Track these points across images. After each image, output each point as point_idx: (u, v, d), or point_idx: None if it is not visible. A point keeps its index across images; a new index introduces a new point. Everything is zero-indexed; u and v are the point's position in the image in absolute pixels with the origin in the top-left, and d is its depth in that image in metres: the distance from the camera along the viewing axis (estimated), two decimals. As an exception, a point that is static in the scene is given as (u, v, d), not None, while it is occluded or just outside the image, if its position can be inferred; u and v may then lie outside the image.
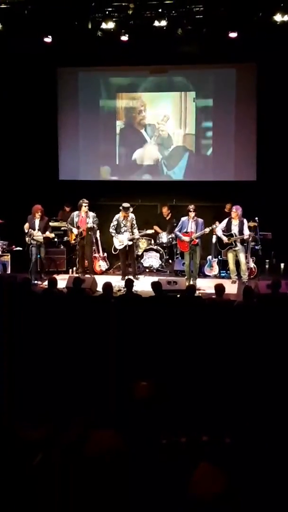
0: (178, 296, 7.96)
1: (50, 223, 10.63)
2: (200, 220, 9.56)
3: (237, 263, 9.92)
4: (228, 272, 10.18)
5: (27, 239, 10.00)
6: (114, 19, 9.89)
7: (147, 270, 10.94)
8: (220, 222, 10.11)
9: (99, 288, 8.63)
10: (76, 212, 10.27)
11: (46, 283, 8.40)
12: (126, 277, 9.03)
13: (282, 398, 4.71)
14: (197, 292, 8.39)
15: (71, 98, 12.25)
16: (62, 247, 11.06)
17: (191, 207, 9.51)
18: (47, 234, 10.06)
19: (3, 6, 9.73)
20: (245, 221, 9.83)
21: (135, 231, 10.27)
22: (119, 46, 10.60)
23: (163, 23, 9.74)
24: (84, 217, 10.15)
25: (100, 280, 8.69)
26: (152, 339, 6.13)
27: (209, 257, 10.60)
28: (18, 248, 10.80)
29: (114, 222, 10.22)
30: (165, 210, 11.45)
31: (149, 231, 10.81)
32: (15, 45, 10.93)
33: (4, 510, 3.07)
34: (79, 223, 10.13)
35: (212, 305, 7.19)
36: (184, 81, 11.97)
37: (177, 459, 3.49)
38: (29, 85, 11.68)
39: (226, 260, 10.28)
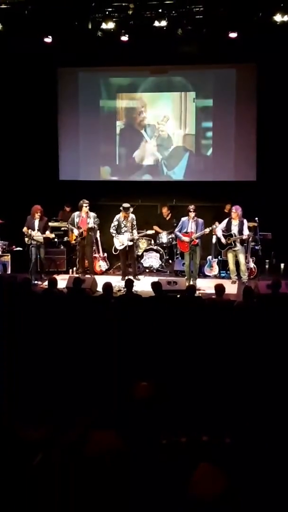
0: (178, 296, 7.96)
1: (51, 223, 10.63)
2: (200, 221, 9.56)
3: (237, 263, 9.91)
4: (228, 272, 10.18)
5: (26, 239, 10.00)
6: (114, 19, 9.89)
7: (147, 270, 10.94)
8: (220, 222, 10.11)
9: (99, 288, 8.63)
10: (76, 213, 10.28)
11: (46, 283, 8.40)
12: (126, 277, 9.03)
13: (282, 398, 4.71)
14: (197, 292, 8.39)
15: (71, 98, 12.25)
16: (62, 247, 11.06)
17: (191, 207, 9.51)
18: (47, 234, 10.06)
19: (3, 6, 9.73)
20: (245, 221, 9.82)
21: (135, 231, 10.28)
22: (119, 46, 10.60)
23: (163, 23, 9.74)
24: (84, 218, 10.16)
25: (100, 280, 8.69)
26: (152, 339, 6.13)
27: (209, 257, 10.60)
28: (18, 248, 10.80)
29: (115, 223, 10.22)
30: (165, 211, 11.45)
31: (149, 232, 10.82)
32: (15, 45, 10.93)
33: (4, 510, 3.08)
34: (80, 223, 10.13)
35: (212, 305, 7.19)
36: (184, 81, 11.97)
37: (177, 459, 3.49)
38: (29, 85, 11.68)
39: (226, 260, 10.28)
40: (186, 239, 9.48)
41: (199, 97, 11.91)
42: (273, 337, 6.04)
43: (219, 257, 10.59)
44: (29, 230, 9.95)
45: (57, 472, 3.16)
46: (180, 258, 10.62)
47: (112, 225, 10.23)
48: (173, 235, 10.58)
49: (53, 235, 10.49)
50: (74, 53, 11.31)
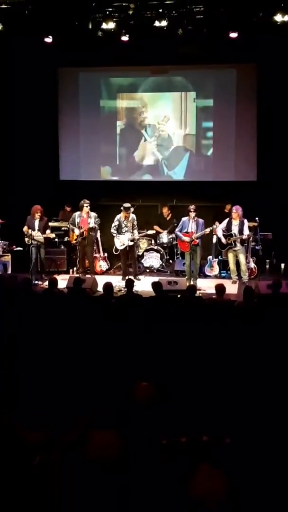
0: (179, 296, 7.96)
1: (51, 223, 10.63)
2: (201, 221, 9.56)
3: (238, 263, 9.91)
4: (229, 272, 10.18)
5: (26, 239, 10.00)
6: (114, 19, 9.88)
7: (148, 270, 10.94)
8: (220, 222, 10.11)
9: (100, 288, 8.64)
10: (77, 213, 10.27)
11: (46, 283, 8.40)
12: (127, 277, 9.03)
13: (282, 399, 4.71)
14: (198, 292, 8.39)
15: (72, 98, 12.25)
16: (62, 247, 11.05)
17: (192, 207, 9.51)
18: (48, 234, 10.06)
19: (3, 6, 9.73)
20: (245, 221, 9.82)
21: (136, 231, 10.28)
22: (120, 46, 10.59)
23: (164, 23, 9.73)
24: (85, 217, 10.15)
25: (101, 280, 8.69)
26: (153, 340, 6.13)
27: (210, 257, 10.60)
28: (18, 248, 10.80)
29: (116, 223, 10.22)
30: (165, 211, 11.45)
31: (150, 232, 10.82)
32: (15, 45, 10.94)
33: (4, 510, 3.08)
34: (81, 223, 10.13)
35: (213, 305, 7.19)
36: (185, 81, 11.96)
37: (177, 459, 3.50)
38: (29, 85, 11.67)
39: (226, 260, 10.27)
40: (187, 239, 9.47)
41: (199, 97, 11.91)
42: (273, 337, 6.04)
43: (219, 257, 10.59)
44: (29, 230, 9.95)
45: (57, 472, 3.16)
46: (180, 258, 10.61)
47: (113, 225, 10.23)
48: (174, 235, 10.59)
49: (53, 235, 10.49)
50: (74, 53, 11.31)
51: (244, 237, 9.74)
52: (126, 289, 7.65)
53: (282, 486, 3.29)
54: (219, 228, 9.94)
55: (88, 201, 10.18)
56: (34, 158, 11.89)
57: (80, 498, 3.09)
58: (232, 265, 9.96)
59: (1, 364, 5.53)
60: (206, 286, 9.59)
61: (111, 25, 9.86)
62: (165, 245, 11.16)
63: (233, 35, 10.10)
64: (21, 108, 11.84)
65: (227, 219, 9.98)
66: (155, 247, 11.07)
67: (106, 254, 11.06)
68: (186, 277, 9.69)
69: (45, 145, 12.10)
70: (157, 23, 9.73)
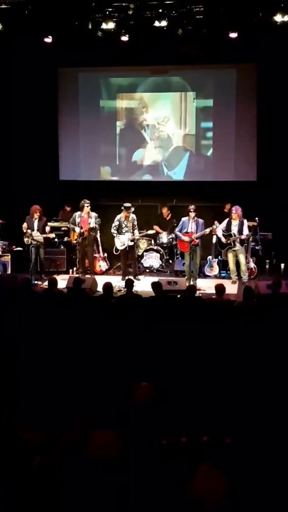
0: (179, 296, 7.96)
1: (51, 223, 10.62)
2: (201, 221, 9.56)
3: (237, 263, 9.91)
4: (228, 272, 10.18)
5: (25, 239, 9.99)
6: (114, 19, 9.88)
7: (147, 270, 10.94)
8: (220, 222, 10.10)
9: (99, 288, 8.63)
10: (78, 213, 10.26)
11: (46, 283, 8.39)
12: (127, 278, 9.03)
13: (282, 399, 4.71)
14: (198, 292, 8.39)
15: (72, 99, 12.25)
16: (62, 247, 11.05)
17: (192, 207, 9.51)
18: (48, 234, 10.05)
19: (3, 6, 9.72)
20: (245, 221, 9.82)
21: (136, 231, 10.28)
22: (119, 46, 10.59)
23: (163, 23, 9.73)
24: (86, 217, 10.15)
25: (101, 280, 8.69)
26: (153, 340, 6.13)
27: (209, 257, 10.60)
28: (18, 248, 10.79)
29: (116, 223, 10.22)
30: (165, 211, 11.45)
31: (150, 231, 10.81)
32: (15, 45, 10.94)
33: (4, 510, 3.08)
34: (81, 223, 10.12)
35: (212, 305, 7.19)
36: (184, 81, 11.96)
37: (177, 459, 3.49)
38: (29, 85, 11.67)
39: (226, 261, 10.27)
40: (186, 239, 9.48)
41: (199, 97, 11.91)
42: (273, 337, 6.04)
43: (219, 257, 10.59)
44: (29, 230, 9.94)
45: (57, 472, 3.16)
46: (180, 258, 10.61)
47: (113, 225, 10.22)
48: (173, 235, 10.59)
49: (53, 235, 10.49)
50: (74, 53, 11.31)
51: (243, 237, 9.74)
52: (125, 289, 7.64)
53: (282, 486, 3.29)
54: (219, 228, 9.94)
55: (88, 201, 10.17)
56: (34, 158, 11.89)
57: (80, 498, 3.09)
58: (232, 265, 9.97)
59: (1, 364, 5.53)
60: (206, 286, 9.59)
61: (111, 25, 9.86)
62: (164, 245, 11.16)
63: (233, 35, 10.10)
64: (21, 108, 11.83)
65: (227, 219, 9.99)
66: (155, 247, 11.07)
67: (106, 254, 11.06)
68: (186, 277, 9.69)
69: (45, 145, 12.10)
70: (157, 23, 9.73)
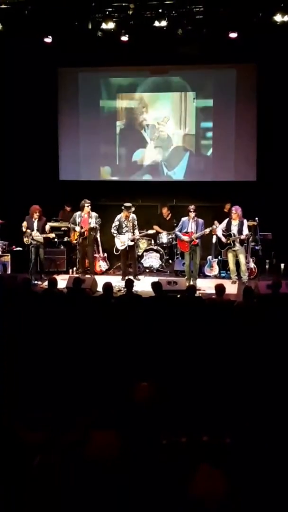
0: (178, 296, 7.96)
1: (51, 223, 10.62)
2: (200, 221, 9.56)
3: (237, 263, 9.92)
4: (228, 272, 10.18)
5: (25, 239, 9.99)
6: (114, 19, 9.88)
7: (147, 270, 10.94)
8: (219, 222, 10.11)
9: (99, 289, 8.63)
10: (78, 213, 10.26)
11: (46, 283, 8.39)
12: (126, 278, 9.03)
13: (282, 399, 4.71)
14: (197, 292, 8.39)
15: (72, 99, 12.25)
16: (62, 247, 11.05)
17: (192, 207, 9.51)
18: (48, 234, 10.04)
19: (3, 6, 9.72)
20: (245, 221, 9.82)
21: (137, 231, 10.28)
22: (119, 46, 10.59)
23: (163, 23, 9.73)
24: (86, 217, 10.14)
25: (100, 281, 8.69)
26: (152, 340, 6.13)
27: (209, 257, 10.60)
28: (18, 249, 10.79)
29: (116, 223, 10.21)
30: (165, 211, 11.45)
31: (150, 231, 10.81)
32: (15, 45, 10.94)
33: (4, 510, 3.07)
34: (82, 223, 10.11)
35: (212, 305, 7.19)
36: (184, 81, 11.96)
37: (177, 459, 3.49)
38: (29, 85, 11.67)
39: (226, 261, 10.28)
40: (186, 238, 9.48)
41: (199, 97, 11.91)
42: (273, 338, 6.04)
43: (219, 257, 10.59)
44: (28, 230, 9.94)
45: (57, 472, 3.16)
46: (180, 258, 10.62)
47: (113, 225, 10.22)
48: (173, 235, 10.59)
49: (53, 235, 10.48)
50: (74, 53, 11.31)
51: (242, 237, 9.74)
52: (125, 289, 7.64)
53: (282, 486, 3.29)
54: (219, 228, 9.94)
55: (89, 201, 10.17)
56: (34, 158, 11.89)
57: (80, 498, 3.09)
58: (231, 265, 9.97)
59: (1, 364, 5.53)
60: (205, 286, 9.59)
61: (110, 25, 9.85)
62: (164, 245, 11.15)
63: (233, 35, 10.10)
64: (20, 108, 11.83)
65: (227, 219, 9.99)
66: (155, 247, 11.07)
67: (105, 254, 11.06)
68: (186, 277, 9.69)
69: (45, 145, 12.10)
70: (156, 23, 9.73)
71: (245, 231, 9.75)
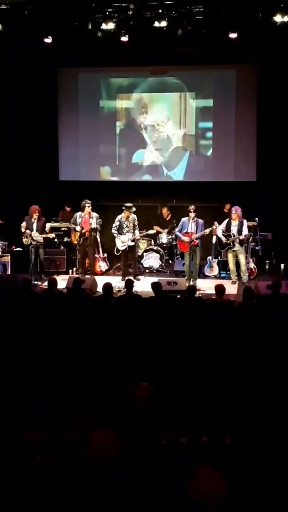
0: (178, 296, 7.96)
1: (51, 224, 10.62)
2: (200, 221, 9.57)
3: (237, 264, 9.92)
4: (228, 272, 10.18)
5: (24, 240, 9.99)
6: (114, 19, 9.89)
7: (147, 270, 10.94)
8: (219, 222, 10.11)
9: (99, 289, 8.63)
10: (79, 213, 10.26)
11: (46, 283, 8.39)
12: (126, 278, 9.03)
13: (282, 399, 4.71)
14: (197, 292, 8.39)
15: (71, 99, 12.26)
16: (62, 247, 11.05)
17: (192, 207, 9.52)
18: (48, 234, 10.05)
19: (3, 6, 9.73)
20: (245, 221, 9.82)
21: (137, 231, 10.28)
22: (119, 47, 10.60)
23: (163, 23, 9.74)
24: (87, 218, 10.14)
25: (100, 281, 8.69)
26: (152, 340, 6.13)
27: (209, 257, 10.60)
28: (18, 249, 10.80)
29: (116, 223, 10.21)
30: (165, 211, 11.45)
31: (150, 231, 10.82)
32: (15, 46, 10.94)
33: (4, 510, 3.07)
34: (82, 223, 10.12)
35: (212, 305, 7.19)
36: (184, 81, 11.97)
37: (177, 460, 3.49)
38: (29, 85, 11.68)
39: (226, 261, 10.28)
40: (186, 239, 9.48)
41: (199, 98, 11.92)
42: (273, 338, 6.04)
43: (219, 257, 10.60)
44: (27, 230, 9.94)
45: (57, 472, 3.16)
46: (180, 258, 10.62)
47: (114, 225, 10.22)
48: (173, 235, 10.59)
49: (53, 235, 10.49)
50: (74, 53, 11.32)
51: (242, 237, 9.74)
52: (125, 289, 7.64)
53: (282, 487, 3.29)
54: (219, 229, 9.94)
55: (89, 202, 10.17)
56: (34, 158, 11.89)
57: (80, 498, 3.09)
58: (231, 266, 9.97)
59: (1, 364, 5.53)
60: (205, 286, 9.59)
61: (110, 25, 9.87)
62: (164, 245, 11.16)
63: (233, 35, 10.12)
64: (20, 108, 11.84)
65: (227, 220, 9.99)
66: (155, 248, 11.08)
67: (105, 255, 11.06)
68: (186, 277, 9.69)
69: (45, 145, 12.11)
70: (156, 24, 9.74)
71: (245, 231, 9.75)
